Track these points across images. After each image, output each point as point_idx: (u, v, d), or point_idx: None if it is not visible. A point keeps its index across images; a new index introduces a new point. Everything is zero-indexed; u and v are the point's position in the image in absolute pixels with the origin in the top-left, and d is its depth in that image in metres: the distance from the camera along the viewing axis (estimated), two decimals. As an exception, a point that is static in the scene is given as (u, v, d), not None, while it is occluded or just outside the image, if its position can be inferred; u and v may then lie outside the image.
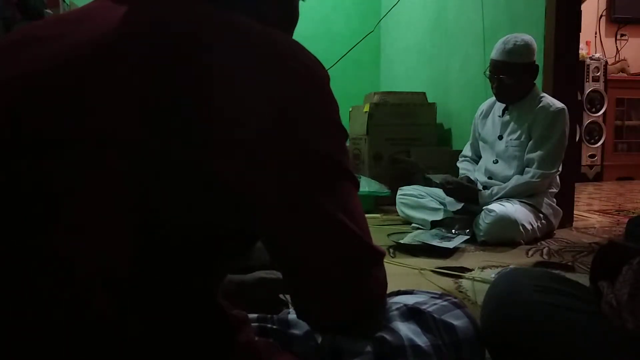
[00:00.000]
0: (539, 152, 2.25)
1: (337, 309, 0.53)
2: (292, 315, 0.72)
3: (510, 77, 2.25)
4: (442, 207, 2.42)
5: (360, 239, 0.52)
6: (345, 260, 0.51)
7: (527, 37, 2.27)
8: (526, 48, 2.25)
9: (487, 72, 2.33)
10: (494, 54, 2.30)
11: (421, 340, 0.70)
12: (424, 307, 0.76)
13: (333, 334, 0.64)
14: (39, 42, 0.52)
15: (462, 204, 2.36)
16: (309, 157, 0.49)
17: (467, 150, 2.68)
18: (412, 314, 0.74)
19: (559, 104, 2.27)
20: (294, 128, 0.48)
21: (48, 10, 2.08)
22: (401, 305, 0.76)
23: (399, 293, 0.83)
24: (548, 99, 2.30)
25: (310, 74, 0.50)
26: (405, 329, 0.71)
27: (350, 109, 3.59)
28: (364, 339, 0.65)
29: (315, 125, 0.50)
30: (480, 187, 2.42)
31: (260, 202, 0.48)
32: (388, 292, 0.69)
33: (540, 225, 2.26)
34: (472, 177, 2.49)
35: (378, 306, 0.56)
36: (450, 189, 2.35)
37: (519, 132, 2.34)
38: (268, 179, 0.47)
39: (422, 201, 2.49)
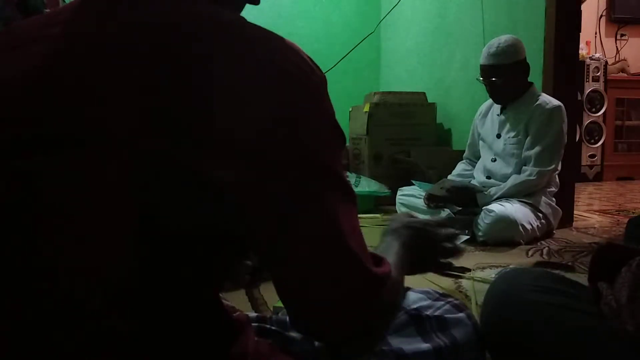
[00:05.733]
0: (535, 150, 2.26)
1: (332, 327, 0.52)
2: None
3: (500, 79, 2.28)
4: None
5: (359, 262, 0.50)
6: (342, 283, 0.50)
7: (511, 37, 2.31)
8: (511, 48, 2.27)
9: (479, 78, 2.37)
10: (482, 59, 2.34)
11: (421, 345, 0.70)
12: (423, 311, 0.76)
13: (332, 351, 0.63)
14: (34, 40, 0.52)
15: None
16: (304, 160, 0.48)
17: (465, 151, 2.69)
18: (412, 318, 0.74)
19: (555, 102, 2.28)
20: (289, 135, 0.47)
21: (48, 10, 2.08)
22: (401, 312, 0.75)
23: None
24: (545, 97, 2.32)
25: (306, 78, 0.50)
26: (405, 334, 0.71)
27: (350, 109, 3.59)
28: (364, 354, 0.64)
29: (311, 130, 0.49)
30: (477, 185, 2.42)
31: (252, 204, 0.47)
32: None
33: (539, 225, 2.26)
34: (466, 181, 2.50)
35: (379, 324, 0.54)
36: (449, 196, 2.34)
37: (516, 130, 2.35)
38: (263, 186, 0.47)
39: (421, 202, 2.49)
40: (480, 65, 2.35)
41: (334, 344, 0.57)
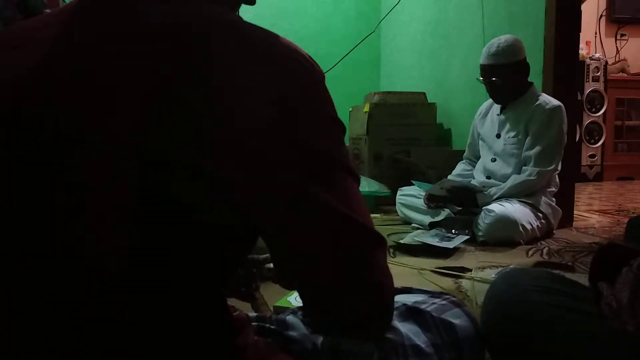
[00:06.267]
0: (535, 150, 2.27)
1: (344, 301, 0.52)
2: (290, 317, 0.72)
3: (500, 79, 2.29)
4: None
5: (360, 224, 0.51)
6: (347, 247, 0.50)
7: (511, 37, 2.31)
8: (511, 48, 2.28)
9: (479, 78, 2.38)
10: (482, 59, 2.35)
11: (421, 340, 0.71)
12: (423, 306, 0.76)
13: (343, 337, 0.63)
14: (34, 40, 0.52)
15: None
16: (308, 154, 0.49)
17: (465, 151, 2.69)
18: (412, 313, 0.75)
19: (555, 102, 2.29)
20: (292, 127, 0.48)
21: (48, 10, 2.07)
22: (400, 305, 0.76)
23: (395, 291, 0.83)
24: (545, 97, 2.32)
25: (306, 74, 0.50)
26: (405, 329, 0.71)
27: (350, 109, 3.59)
28: (373, 341, 0.64)
29: (313, 123, 0.50)
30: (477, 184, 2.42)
31: (259, 200, 0.48)
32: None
33: (539, 225, 2.26)
34: (466, 181, 2.50)
35: (386, 296, 0.54)
36: (449, 196, 2.34)
37: (516, 130, 2.35)
38: (267, 177, 0.47)
39: (421, 202, 2.49)
40: (480, 65, 2.36)
41: (343, 333, 0.58)
